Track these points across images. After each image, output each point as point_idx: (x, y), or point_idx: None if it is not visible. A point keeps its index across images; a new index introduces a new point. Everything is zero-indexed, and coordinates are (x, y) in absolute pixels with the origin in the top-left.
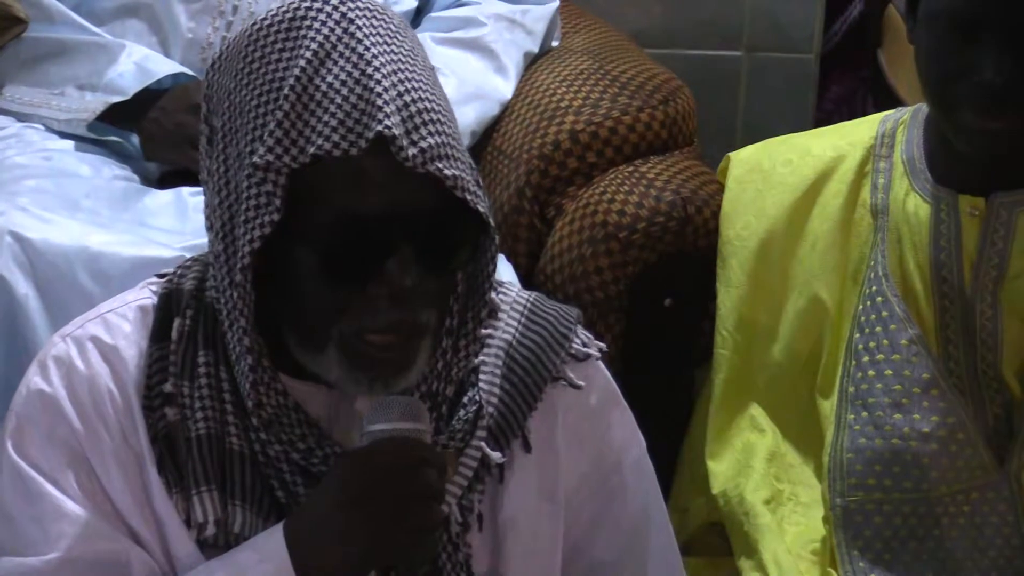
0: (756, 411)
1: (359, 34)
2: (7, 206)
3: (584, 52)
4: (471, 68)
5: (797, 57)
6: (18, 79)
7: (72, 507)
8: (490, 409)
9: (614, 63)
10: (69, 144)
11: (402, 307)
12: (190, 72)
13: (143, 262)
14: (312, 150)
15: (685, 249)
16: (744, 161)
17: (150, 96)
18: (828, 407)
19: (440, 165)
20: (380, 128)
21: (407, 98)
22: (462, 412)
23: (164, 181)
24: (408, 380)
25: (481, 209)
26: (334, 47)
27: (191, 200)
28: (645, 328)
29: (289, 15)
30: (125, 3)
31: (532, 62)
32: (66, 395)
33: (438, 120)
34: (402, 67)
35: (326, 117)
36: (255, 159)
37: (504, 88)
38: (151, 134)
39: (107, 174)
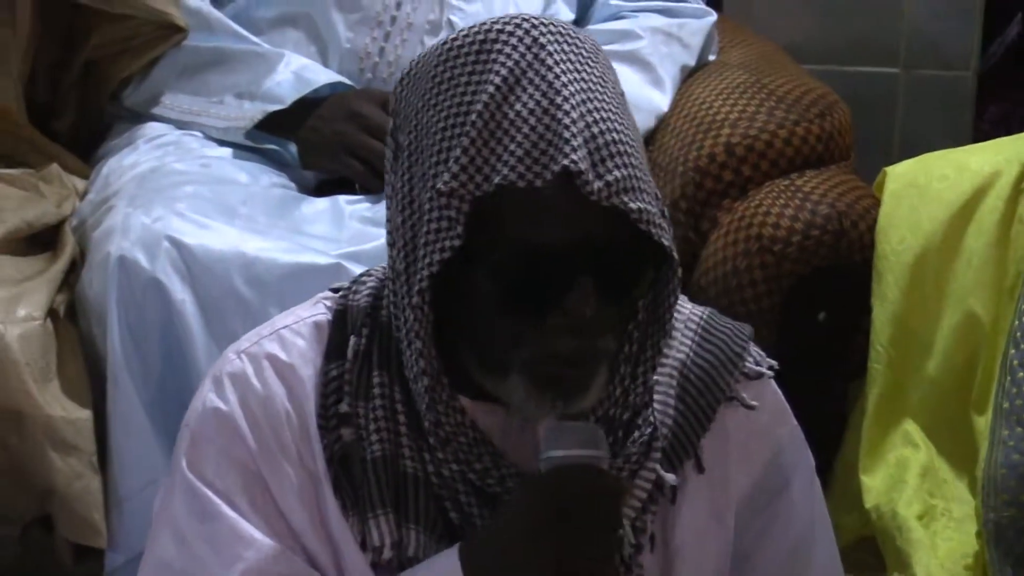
0: (910, 426)
1: (549, 60)
2: (165, 211)
3: (741, 66)
4: (627, 80)
5: (954, 75)
6: (177, 87)
7: (248, 529)
8: (664, 431)
9: (771, 77)
10: (227, 151)
11: (580, 337)
12: (348, 82)
13: (299, 269)
14: (497, 179)
15: (840, 263)
16: (901, 176)
17: (308, 105)
18: (983, 423)
19: (626, 199)
20: (566, 162)
21: (595, 129)
22: (637, 434)
23: (321, 190)
24: (586, 402)
25: (666, 243)
26: (524, 73)
27: (347, 208)
28: (799, 342)
29: (480, 37)
30: (284, 13)
31: (689, 75)
32: (242, 414)
33: (625, 152)
34: (592, 96)
35: (512, 147)
36: (440, 185)
37: (660, 101)
38: (309, 143)
39: (264, 182)
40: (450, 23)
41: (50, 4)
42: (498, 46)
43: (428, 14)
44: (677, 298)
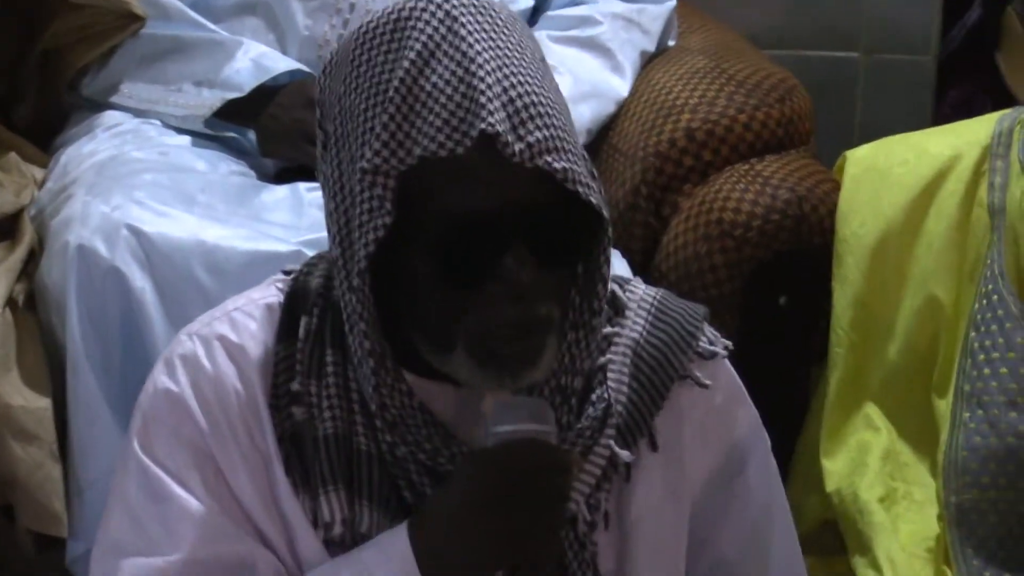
0: (871, 409)
1: (463, 31)
2: (124, 200)
3: (701, 51)
4: (587, 66)
5: (915, 59)
6: (136, 76)
7: (198, 507)
8: (618, 407)
9: (731, 62)
10: (186, 140)
11: (522, 303)
12: (306, 69)
13: (259, 256)
14: (418, 151)
15: (801, 247)
16: (861, 160)
17: (267, 93)
18: (943, 406)
19: (549, 159)
20: (483, 126)
21: (512, 93)
22: (591, 410)
23: (280, 177)
24: (537, 374)
25: (594, 200)
26: (438, 46)
27: (307, 195)
28: (760, 326)
29: (394, 16)
30: (242, 1)
31: (648, 61)
32: (192, 394)
33: (546, 113)
34: (508, 62)
35: (431, 118)
36: (363, 163)
37: (620, 86)
38: (268, 130)
39: (223, 169)
40: None
41: None
42: (411, 22)
43: (387, 1)
44: (609, 257)
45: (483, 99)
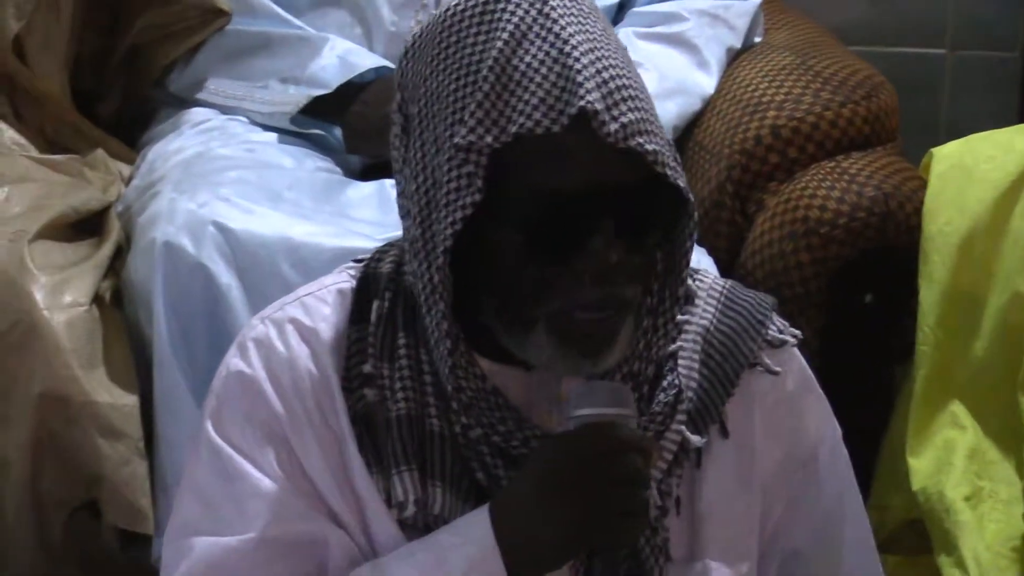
0: (957, 408)
1: (554, 15)
2: (210, 197)
3: (786, 48)
4: (673, 63)
5: (1001, 56)
6: (221, 72)
7: (270, 487)
8: (689, 394)
9: (816, 59)
10: (272, 136)
11: (607, 283)
12: (392, 65)
13: (345, 253)
14: (514, 129)
15: (887, 245)
16: (947, 157)
17: (353, 89)
18: None
19: (640, 140)
20: (583, 103)
21: (605, 75)
22: (662, 396)
23: (366, 174)
24: (614, 356)
25: (680, 184)
26: (530, 28)
27: (393, 192)
28: (846, 324)
29: (483, 1)
30: None
31: (734, 58)
32: (266, 376)
33: (636, 97)
34: (597, 46)
35: (526, 96)
36: (457, 140)
37: (706, 83)
38: (354, 127)
39: (310, 166)
40: None
41: None
42: (501, 5)
43: None
44: (693, 244)
45: (579, 78)
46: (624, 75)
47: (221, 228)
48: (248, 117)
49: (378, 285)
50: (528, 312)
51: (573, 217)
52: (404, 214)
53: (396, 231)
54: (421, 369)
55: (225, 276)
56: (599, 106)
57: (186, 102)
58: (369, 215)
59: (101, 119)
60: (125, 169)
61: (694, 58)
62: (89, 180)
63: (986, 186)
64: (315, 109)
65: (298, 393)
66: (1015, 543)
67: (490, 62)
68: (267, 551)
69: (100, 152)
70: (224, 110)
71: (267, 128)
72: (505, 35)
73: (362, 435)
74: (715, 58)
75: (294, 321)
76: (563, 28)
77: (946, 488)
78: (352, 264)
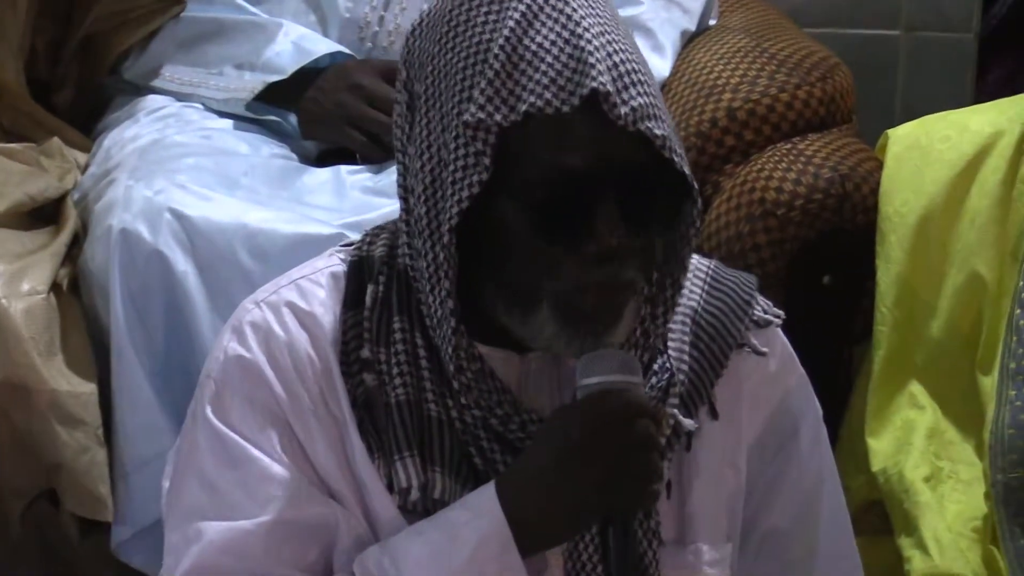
0: (916, 388)
1: None
2: (166, 184)
3: (741, 30)
4: None
5: (956, 36)
6: (177, 59)
7: (279, 470)
8: (680, 376)
9: (771, 41)
10: (228, 123)
11: (611, 265)
12: (347, 51)
13: (301, 239)
14: (524, 107)
15: (844, 226)
16: (903, 138)
17: (308, 75)
18: (989, 383)
19: (650, 124)
20: (595, 84)
21: (616, 59)
22: (654, 379)
23: (322, 160)
24: (616, 336)
25: (686, 171)
26: (541, 9)
27: (349, 178)
28: (804, 305)
29: None
30: None
31: (689, 40)
32: (265, 360)
33: (645, 81)
34: (608, 29)
35: (537, 75)
36: (466, 117)
37: (661, 66)
38: (309, 113)
39: (265, 152)
40: None
41: None
42: None
43: None
44: (698, 231)
45: (591, 60)
46: (634, 60)
47: (177, 215)
48: (204, 104)
49: (372, 268)
50: (532, 291)
51: (579, 196)
52: (406, 192)
53: (352, 216)
54: (417, 354)
55: (182, 263)
56: (610, 88)
57: (141, 89)
58: (325, 201)
59: (57, 108)
60: (81, 157)
61: (649, 41)
62: (45, 168)
63: (942, 166)
64: (270, 95)
65: (299, 377)
66: (976, 523)
67: (501, 41)
68: (282, 533)
69: (56, 140)
70: (179, 97)
71: (223, 115)
72: (517, 15)
73: (363, 420)
74: (670, 41)
75: (291, 305)
76: (574, 11)
77: (906, 469)
78: (342, 248)
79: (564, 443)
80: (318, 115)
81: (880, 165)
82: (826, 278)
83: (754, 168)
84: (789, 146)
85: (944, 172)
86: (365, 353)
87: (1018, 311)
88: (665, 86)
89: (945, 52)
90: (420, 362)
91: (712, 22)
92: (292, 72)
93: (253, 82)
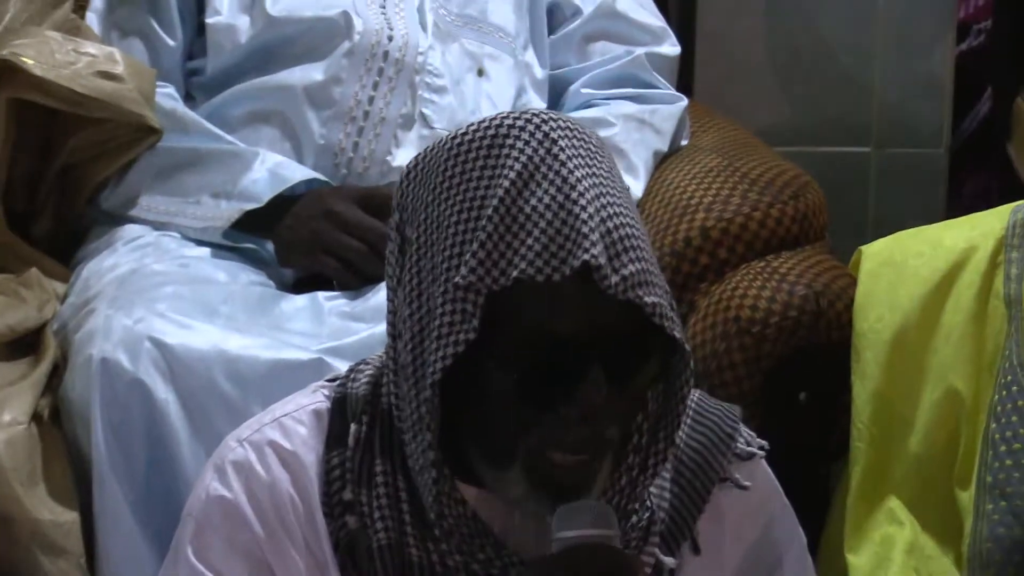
0: (894, 503)
1: (562, 156)
2: (146, 312)
3: (713, 150)
4: None
5: (927, 152)
6: (154, 189)
7: None
8: (661, 514)
9: (743, 160)
10: (205, 251)
11: (589, 425)
12: (323, 178)
13: (281, 365)
14: (515, 273)
15: (819, 342)
16: (876, 254)
17: (284, 202)
18: (966, 498)
19: (640, 292)
20: (586, 257)
21: (609, 224)
22: (635, 519)
23: (299, 286)
24: (591, 496)
25: (678, 335)
26: (537, 168)
27: (326, 304)
28: (780, 422)
29: (491, 132)
30: (257, 110)
31: (662, 161)
32: (247, 500)
33: (638, 246)
34: (604, 191)
35: (530, 241)
36: (458, 279)
37: (634, 187)
38: (285, 241)
39: (243, 280)
40: (423, 116)
41: (26, 111)
42: (510, 140)
43: (400, 107)
44: (690, 389)
45: (585, 229)
46: (628, 223)
47: (157, 343)
48: (181, 232)
49: (355, 407)
50: (507, 448)
51: (564, 362)
52: (393, 334)
53: (329, 342)
54: (399, 497)
55: (162, 391)
56: (602, 260)
57: (119, 219)
58: (303, 327)
59: (35, 239)
60: (60, 287)
61: (622, 162)
62: (24, 299)
63: (916, 282)
64: (247, 223)
65: (279, 518)
66: None
67: (495, 202)
68: None
69: (34, 271)
70: (157, 226)
71: (200, 243)
72: (512, 174)
73: (345, 563)
74: (642, 162)
75: (273, 444)
76: (571, 171)
77: None
78: (325, 383)
79: None
80: (293, 243)
81: (854, 281)
82: (802, 395)
83: (728, 286)
84: (763, 264)
85: (919, 288)
86: (347, 495)
87: (993, 425)
88: (639, 206)
89: (916, 168)
90: (402, 506)
91: (684, 142)
92: (268, 200)
93: (230, 210)
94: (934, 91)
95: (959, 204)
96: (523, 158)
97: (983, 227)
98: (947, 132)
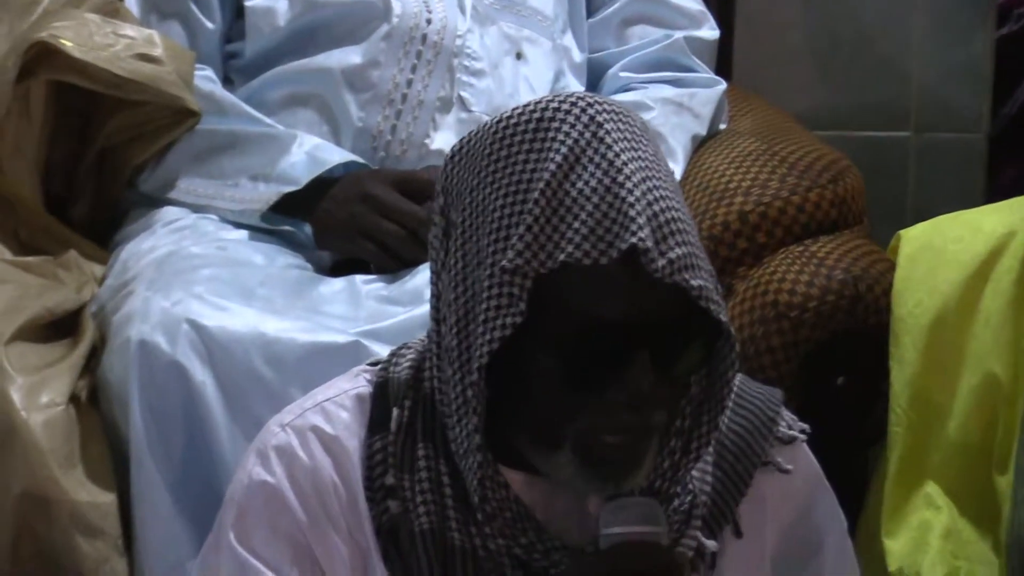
0: (931, 488)
1: (608, 139)
2: (184, 295)
3: (752, 134)
4: None
5: (966, 137)
6: (192, 171)
7: None
8: (703, 498)
9: (782, 144)
10: (243, 234)
11: (636, 410)
12: (361, 160)
13: (317, 348)
14: (562, 257)
15: (857, 327)
16: (915, 239)
17: (322, 185)
18: (1004, 483)
19: (687, 276)
20: (634, 240)
21: (656, 208)
22: (677, 502)
23: (336, 269)
24: (637, 478)
25: (723, 319)
26: (583, 151)
27: (364, 288)
28: (818, 407)
29: (537, 115)
30: (295, 93)
31: (700, 145)
32: (289, 486)
33: (684, 230)
34: (650, 175)
35: (576, 224)
36: (504, 263)
37: (673, 171)
38: (323, 224)
39: (281, 263)
40: (461, 99)
41: (64, 94)
42: (556, 124)
43: (439, 91)
44: (736, 373)
45: (632, 212)
46: (674, 206)
47: (195, 325)
48: (219, 215)
49: (397, 392)
50: (556, 431)
51: (610, 346)
52: (438, 318)
53: (366, 325)
54: (441, 481)
55: (200, 373)
56: (649, 243)
57: (157, 202)
58: (340, 310)
59: (74, 222)
60: (98, 269)
61: (660, 146)
62: (63, 281)
63: (955, 267)
64: (285, 206)
65: (322, 503)
66: None
67: (542, 185)
68: None
69: (73, 253)
70: (195, 209)
71: (238, 225)
72: (559, 158)
73: (388, 548)
74: (681, 146)
75: (316, 429)
76: (617, 155)
77: (923, 569)
78: (367, 368)
79: None
80: (331, 226)
81: (892, 266)
82: (840, 379)
83: (767, 271)
84: (801, 248)
85: (957, 273)
86: (390, 480)
87: None
88: None
89: (955, 152)
90: (444, 490)
91: (722, 126)
92: (306, 183)
93: (268, 193)
94: (974, 76)
95: (998, 191)
96: (569, 141)
97: (1022, 212)
98: (987, 117)
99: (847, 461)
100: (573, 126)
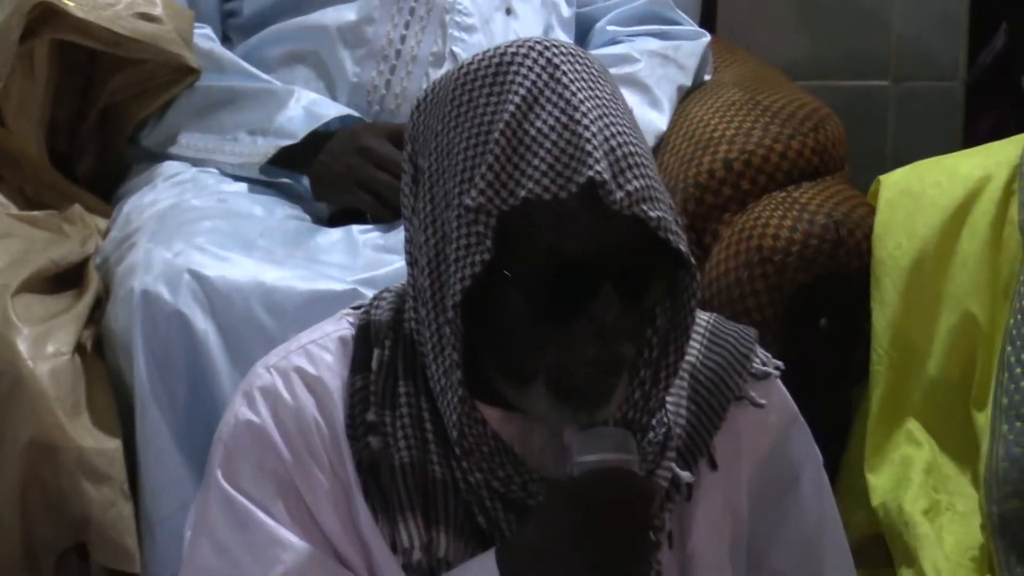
0: (913, 425)
1: (564, 79)
2: (185, 246)
3: (735, 84)
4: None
5: (944, 85)
6: (192, 127)
7: (286, 535)
8: (678, 431)
9: (765, 94)
10: (242, 187)
11: (604, 343)
12: (356, 114)
13: (316, 295)
14: (523, 193)
15: (839, 270)
16: (894, 184)
17: (319, 139)
18: (983, 419)
19: (645, 207)
20: (591, 173)
21: (613, 142)
22: (652, 435)
23: (334, 220)
24: (609, 409)
25: (682, 248)
26: (541, 92)
27: (360, 237)
28: (802, 348)
29: (496, 60)
30: (292, 51)
31: (685, 96)
32: (274, 425)
33: (641, 163)
34: (606, 111)
35: (536, 161)
36: (467, 201)
37: (659, 121)
38: (320, 176)
39: (279, 214)
40: (453, 54)
41: (67, 53)
42: (514, 67)
43: (431, 46)
44: (698, 302)
45: (589, 147)
46: (631, 141)
47: (196, 276)
48: (219, 169)
49: (378, 333)
50: (528, 366)
51: (575, 279)
52: (411, 262)
53: (363, 273)
54: (422, 417)
55: (201, 322)
56: (606, 175)
57: (159, 156)
58: (338, 259)
59: (78, 177)
60: (102, 222)
61: (646, 97)
62: (67, 234)
63: (933, 210)
64: (283, 159)
65: (305, 442)
66: (973, 553)
67: (502, 126)
68: None
69: (77, 207)
70: (196, 163)
71: (238, 179)
72: (517, 99)
73: (368, 483)
74: (666, 96)
75: (299, 370)
76: (573, 94)
77: (905, 502)
78: (351, 311)
79: (560, 524)
80: (329, 178)
81: (873, 211)
82: (823, 321)
83: (751, 216)
84: (784, 194)
85: (936, 216)
86: (371, 416)
87: (1009, 348)
88: (663, 140)
89: (934, 101)
90: (425, 425)
91: (707, 77)
92: (303, 136)
93: (266, 147)
94: (951, 25)
95: (976, 138)
96: (527, 83)
97: (999, 156)
98: (963, 65)
99: (831, 401)
100: (531, 68)
